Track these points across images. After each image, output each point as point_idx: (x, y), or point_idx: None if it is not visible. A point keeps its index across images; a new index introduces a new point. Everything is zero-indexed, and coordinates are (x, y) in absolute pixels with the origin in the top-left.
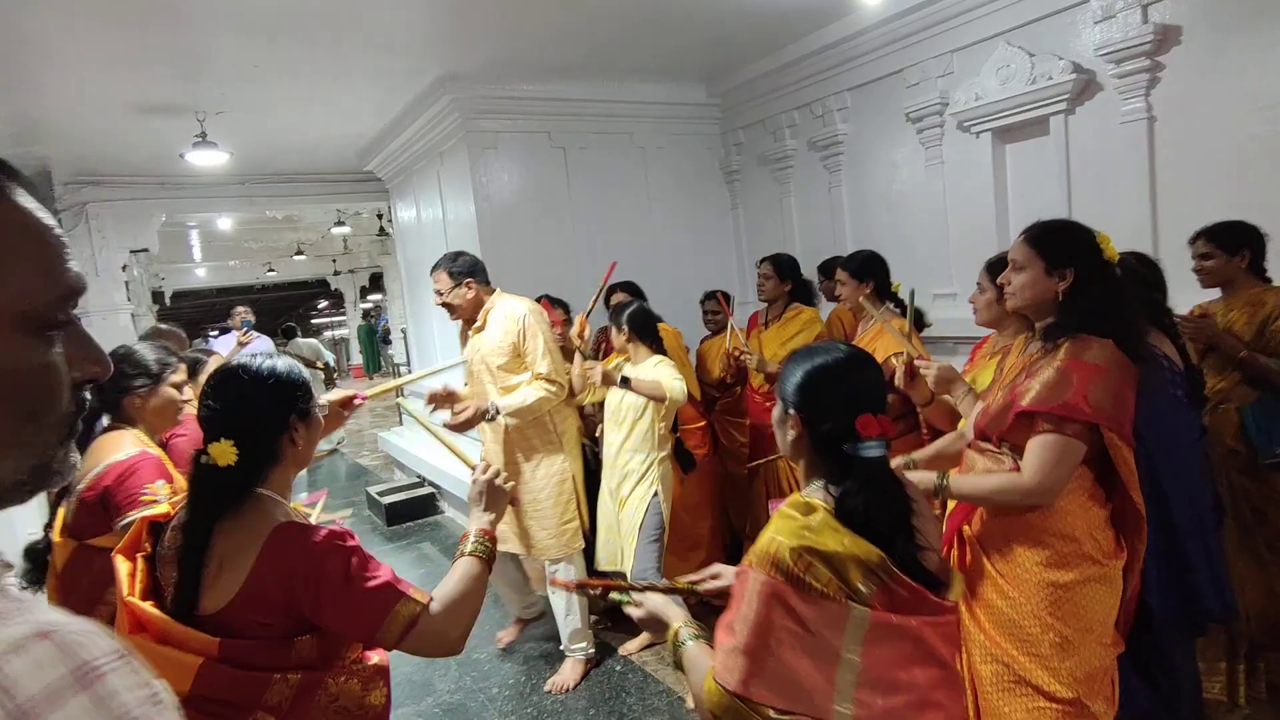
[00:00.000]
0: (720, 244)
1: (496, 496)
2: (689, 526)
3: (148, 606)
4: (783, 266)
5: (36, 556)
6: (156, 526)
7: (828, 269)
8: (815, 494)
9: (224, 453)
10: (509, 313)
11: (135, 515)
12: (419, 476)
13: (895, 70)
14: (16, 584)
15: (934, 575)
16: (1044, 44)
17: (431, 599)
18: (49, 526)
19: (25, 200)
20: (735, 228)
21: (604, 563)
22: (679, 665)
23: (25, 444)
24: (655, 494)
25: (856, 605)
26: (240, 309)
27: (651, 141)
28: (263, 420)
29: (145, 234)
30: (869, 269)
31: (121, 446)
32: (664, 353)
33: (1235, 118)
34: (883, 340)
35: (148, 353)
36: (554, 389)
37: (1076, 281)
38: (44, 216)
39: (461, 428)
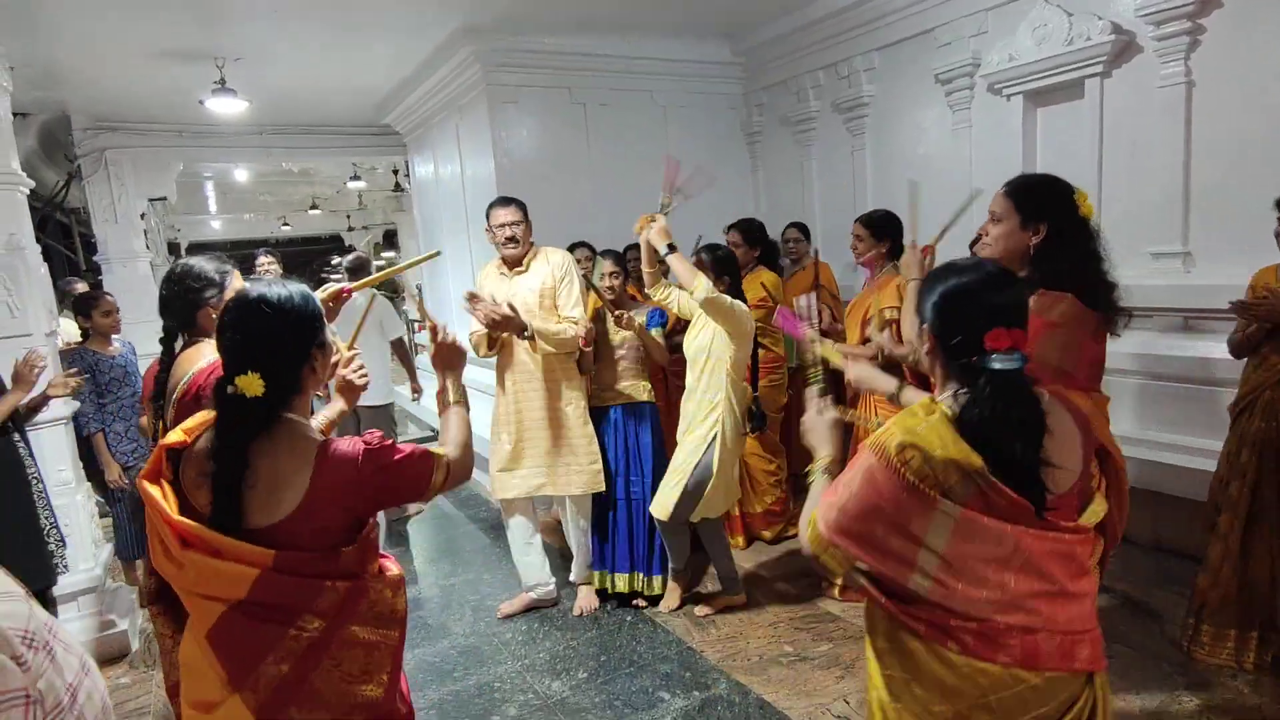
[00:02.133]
0: (739, 206)
1: (456, 354)
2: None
3: (195, 525)
4: (751, 233)
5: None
6: (174, 454)
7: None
8: (945, 399)
9: (252, 385)
10: (553, 259)
11: None
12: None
13: (925, 29)
14: None
15: (1049, 491)
16: (1083, 3)
17: (447, 448)
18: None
19: None
20: (755, 189)
21: (656, 510)
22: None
23: None
24: (714, 438)
25: (947, 501)
26: (264, 259)
27: (672, 100)
28: (286, 354)
29: (164, 182)
30: (887, 228)
31: (203, 354)
32: (743, 298)
33: (1275, 84)
34: (877, 296)
35: (206, 264)
36: (573, 327)
37: (1048, 236)
38: None
39: (496, 327)
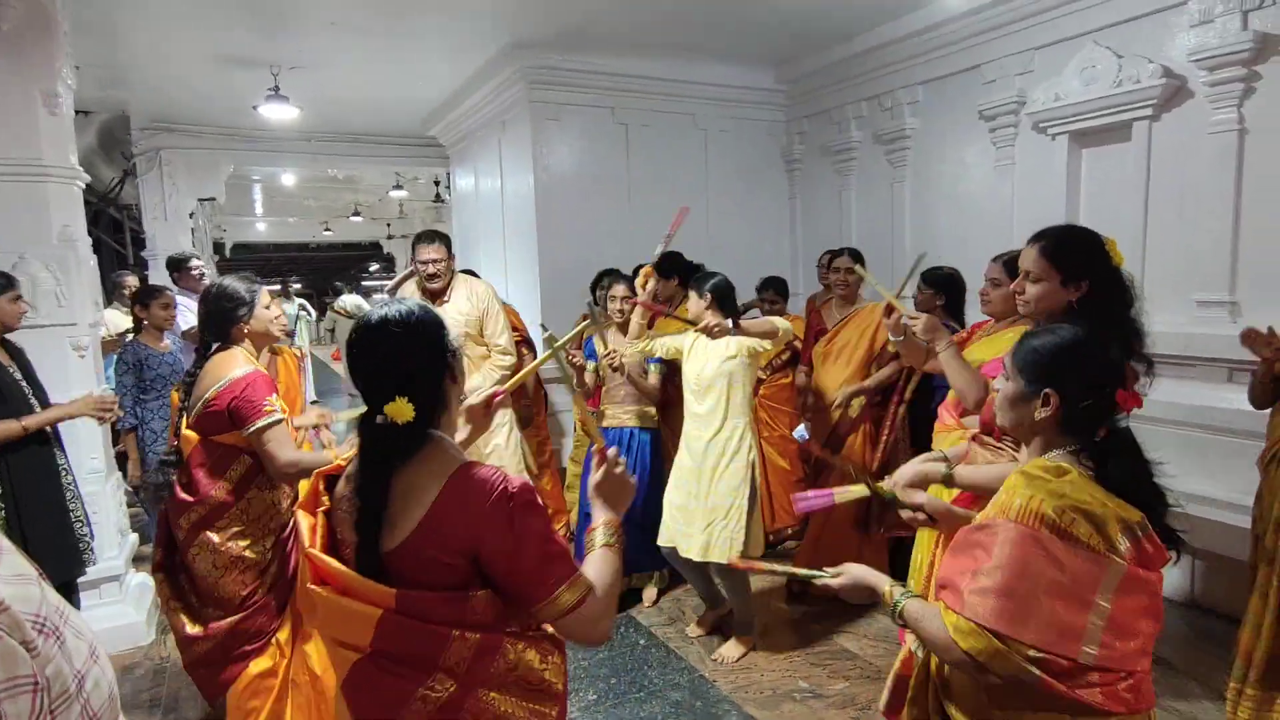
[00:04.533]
0: (776, 233)
1: (624, 490)
2: None
3: (330, 560)
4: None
5: (175, 458)
6: (331, 480)
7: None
8: (1061, 459)
9: (402, 411)
10: (476, 289)
11: (261, 423)
12: None
13: (971, 66)
14: None
15: (1171, 531)
16: (1134, 45)
17: (593, 585)
18: (176, 434)
19: None
20: (791, 217)
21: (663, 540)
22: (901, 621)
23: None
24: (752, 464)
25: (1114, 558)
26: (195, 261)
27: (714, 124)
28: (425, 368)
29: (214, 183)
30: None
31: (235, 362)
32: (738, 325)
33: None
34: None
35: (238, 284)
36: (508, 361)
37: (1089, 290)
38: None
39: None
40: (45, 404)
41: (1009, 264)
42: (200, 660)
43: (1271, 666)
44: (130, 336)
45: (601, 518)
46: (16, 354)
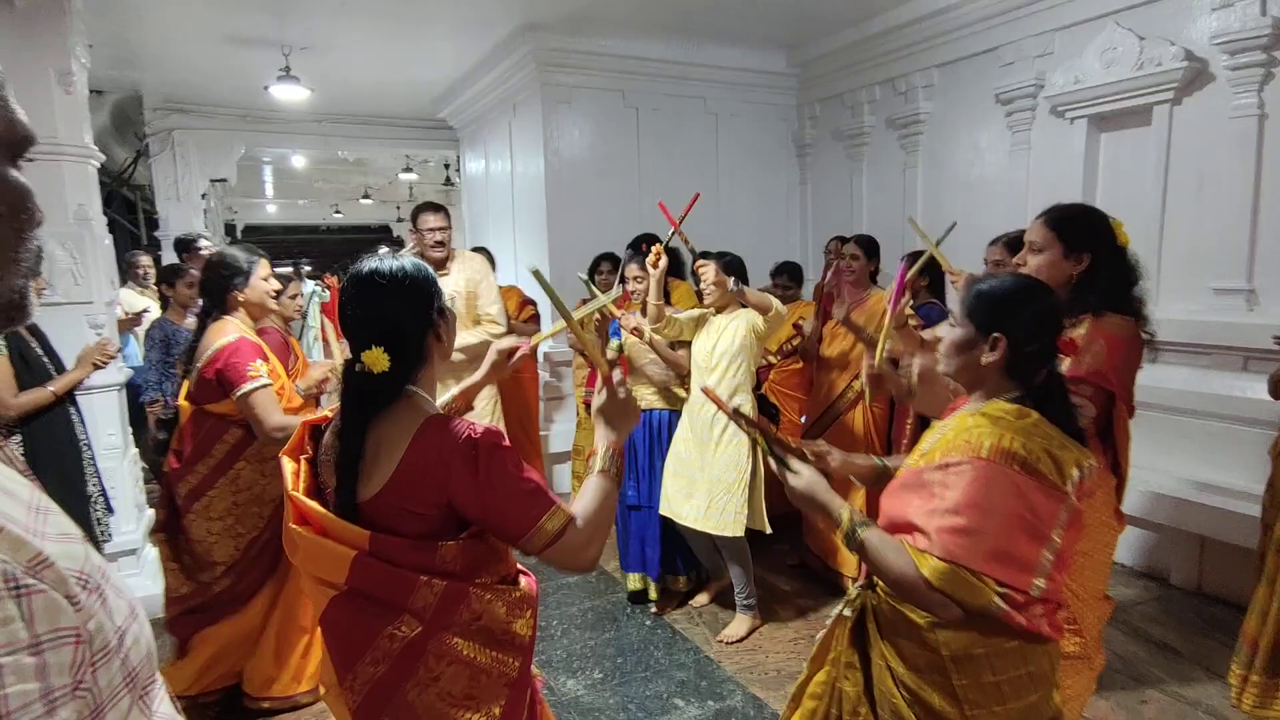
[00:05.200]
0: (786, 218)
1: (629, 413)
2: None
3: (310, 502)
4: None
5: (169, 423)
6: (317, 430)
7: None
8: (1011, 401)
9: (377, 360)
10: (471, 263)
11: (246, 388)
12: None
13: (989, 48)
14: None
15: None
16: (1156, 27)
17: (576, 511)
18: (176, 397)
19: None
20: (802, 202)
21: (663, 509)
22: (856, 548)
23: (17, 262)
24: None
25: (1070, 496)
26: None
27: (724, 108)
28: (409, 323)
29: (225, 164)
30: (876, 250)
31: (225, 332)
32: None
33: None
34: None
35: (238, 253)
36: (498, 330)
37: (1092, 264)
38: None
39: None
40: (59, 366)
41: (1010, 244)
42: (181, 616)
43: (1277, 654)
44: (146, 314)
45: (604, 442)
46: (35, 331)
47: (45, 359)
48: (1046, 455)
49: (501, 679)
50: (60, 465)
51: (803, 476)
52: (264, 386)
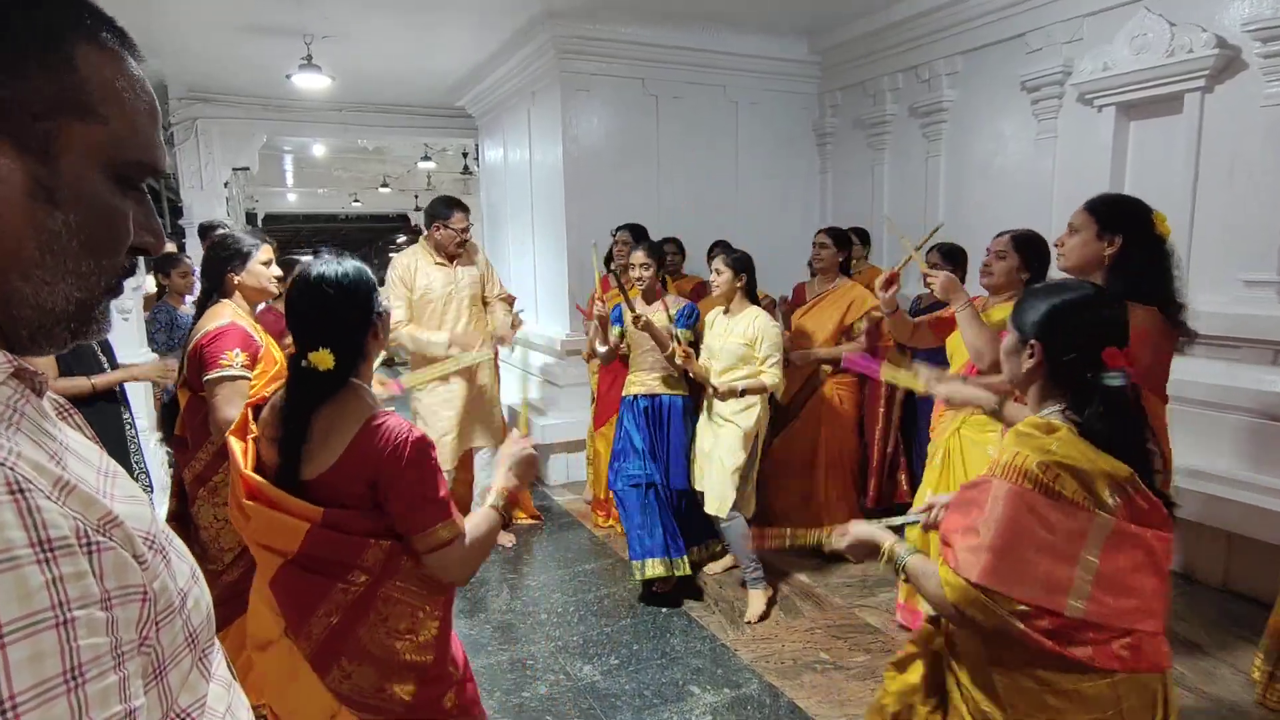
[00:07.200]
0: (805, 207)
1: (530, 469)
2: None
3: (262, 480)
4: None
5: (170, 409)
6: (256, 409)
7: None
8: (1052, 417)
9: (323, 360)
10: (479, 251)
11: (214, 374)
12: None
13: (1016, 34)
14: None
15: (1164, 494)
16: (1187, 14)
17: (464, 531)
18: (178, 386)
19: (137, 70)
20: (821, 192)
21: (696, 483)
22: (905, 576)
23: (80, 276)
24: (755, 435)
25: (1102, 514)
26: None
27: (745, 96)
28: (351, 327)
29: (247, 153)
30: (847, 242)
31: (219, 315)
32: (757, 302)
33: None
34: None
35: (240, 236)
36: (508, 311)
37: (1124, 247)
38: (150, 91)
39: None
40: (114, 364)
41: (1017, 239)
42: None
43: None
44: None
45: (505, 485)
46: None
47: (95, 346)
48: (1068, 472)
49: (434, 612)
50: (105, 439)
51: (849, 533)
52: (234, 378)
